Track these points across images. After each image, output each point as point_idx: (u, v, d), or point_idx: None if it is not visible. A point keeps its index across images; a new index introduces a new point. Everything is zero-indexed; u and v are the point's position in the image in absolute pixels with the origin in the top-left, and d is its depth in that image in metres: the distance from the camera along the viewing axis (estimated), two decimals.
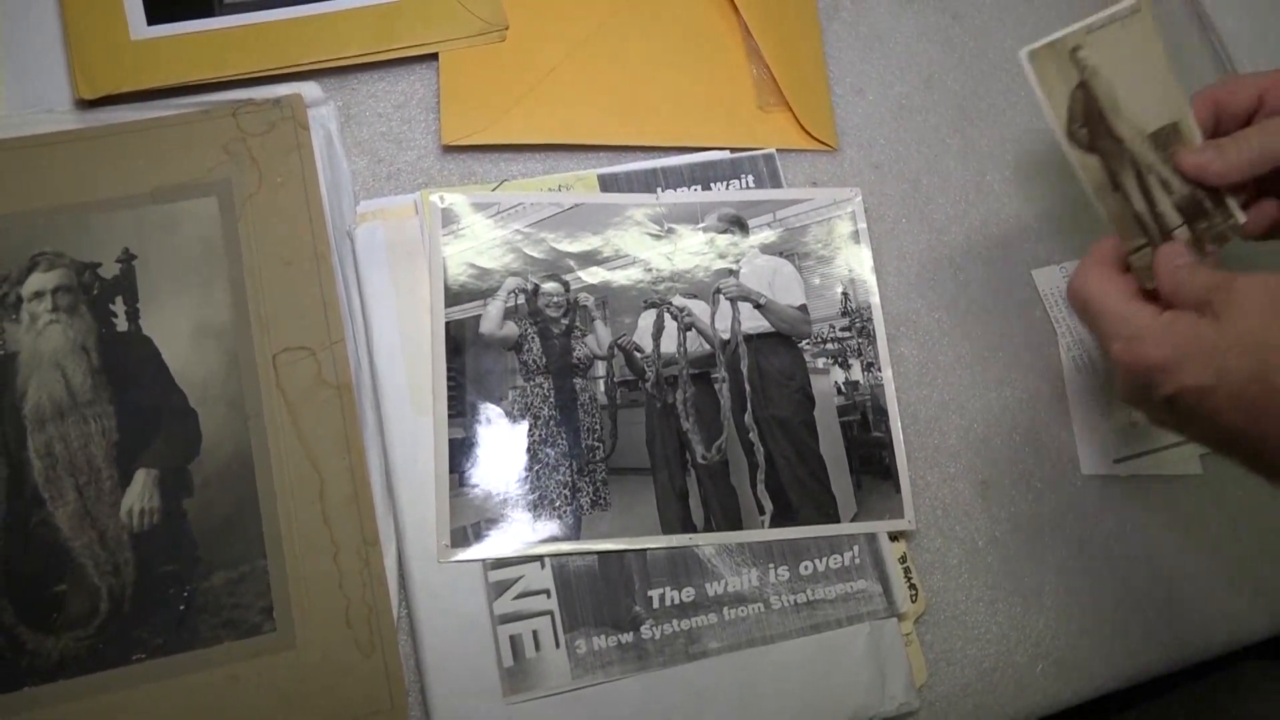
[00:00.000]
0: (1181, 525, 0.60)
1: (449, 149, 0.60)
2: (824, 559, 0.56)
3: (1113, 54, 0.50)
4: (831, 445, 0.58)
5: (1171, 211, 0.50)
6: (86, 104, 0.57)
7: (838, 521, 0.56)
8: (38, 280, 0.55)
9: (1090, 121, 0.50)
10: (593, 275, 0.58)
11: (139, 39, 0.58)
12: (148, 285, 0.55)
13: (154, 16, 0.58)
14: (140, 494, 0.52)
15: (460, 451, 0.55)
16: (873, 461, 0.58)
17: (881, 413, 0.59)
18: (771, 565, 0.55)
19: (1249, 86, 0.50)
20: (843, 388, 0.59)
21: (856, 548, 0.56)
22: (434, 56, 0.61)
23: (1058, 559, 0.58)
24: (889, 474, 0.58)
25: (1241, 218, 0.51)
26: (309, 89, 0.59)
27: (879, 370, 0.60)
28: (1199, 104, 0.51)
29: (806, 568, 0.56)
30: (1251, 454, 0.45)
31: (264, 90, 0.59)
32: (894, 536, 0.57)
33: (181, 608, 0.51)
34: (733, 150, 0.62)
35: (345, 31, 0.60)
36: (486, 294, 0.57)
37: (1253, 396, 0.43)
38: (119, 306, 0.55)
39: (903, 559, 0.57)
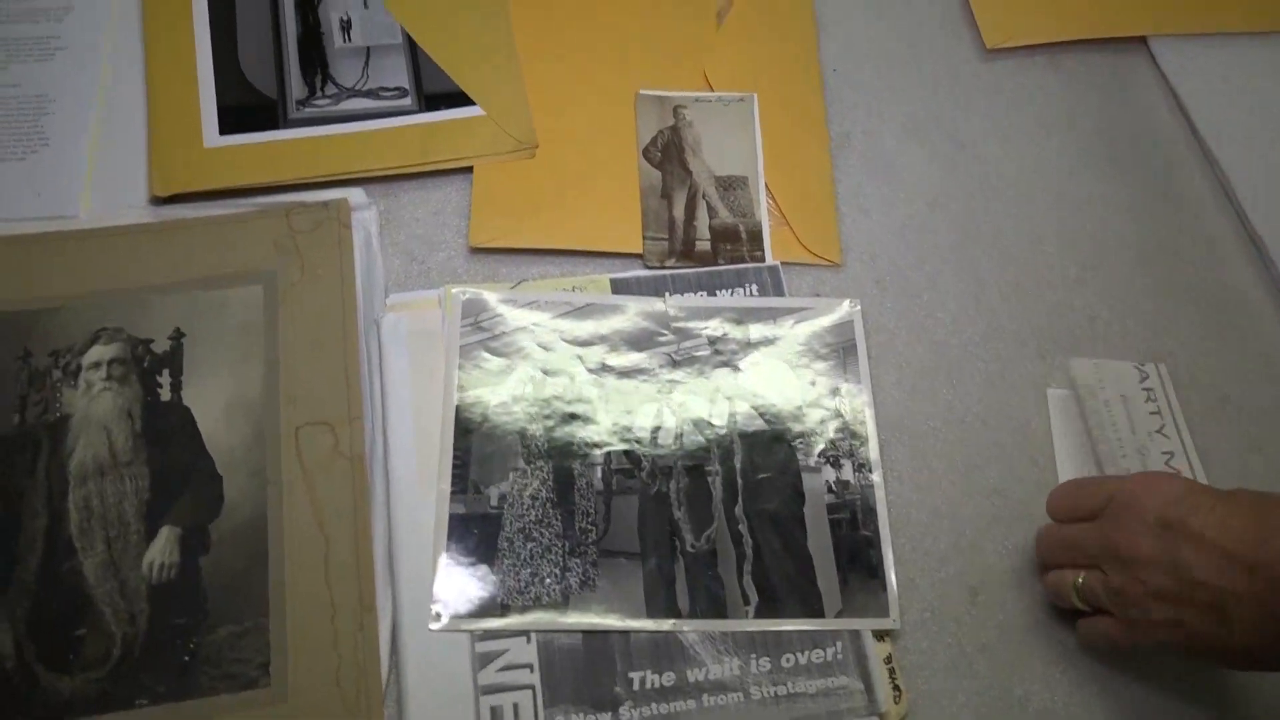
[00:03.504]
0: None
1: (476, 250, 0.66)
2: (806, 653, 0.57)
3: (710, 117, 0.70)
4: (820, 541, 0.59)
5: (706, 229, 0.67)
6: (159, 201, 0.65)
7: (822, 616, 0.57)
8: (97, 352, 0.61)
9: (666, 150, 0.68)
10: (598, 368, 0.62)
11: (211, 147, 0.66)
12: (193, 360, 0.61)
13: (226, 128, 0.66)
14: (163, 549, 0.57)
15: (460, 526, 0.58)
16: (860, 559, 0.59)
17: (871, 513, 0.60)
18: (754, 655, 0.56)
19: (1100, 488, 0.56)
20: (833, 486, 0.61)
21: (840, 644, 0.57)
22: (469, 169, 0.68)
23: (1046, 670, 0.58)
24: (876, 573, 0.59)
25: (769, 259, 0.66)
26: (355, 194, 0.66)
27: (870, 472, 0.61)
28: (1056, 498, 0.58)
29: (788, 660, 0.57)
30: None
31: (315, 194, 0.66)
32: (880, 635, 0.58)
33: (186, 658, 0.54)
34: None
35: (392, 146, 0.67)
36: (497, 382, 0.61)
37: None
38: (165, 378, 0.61)
39: (888, 659, 0.57)
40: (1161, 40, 0.77)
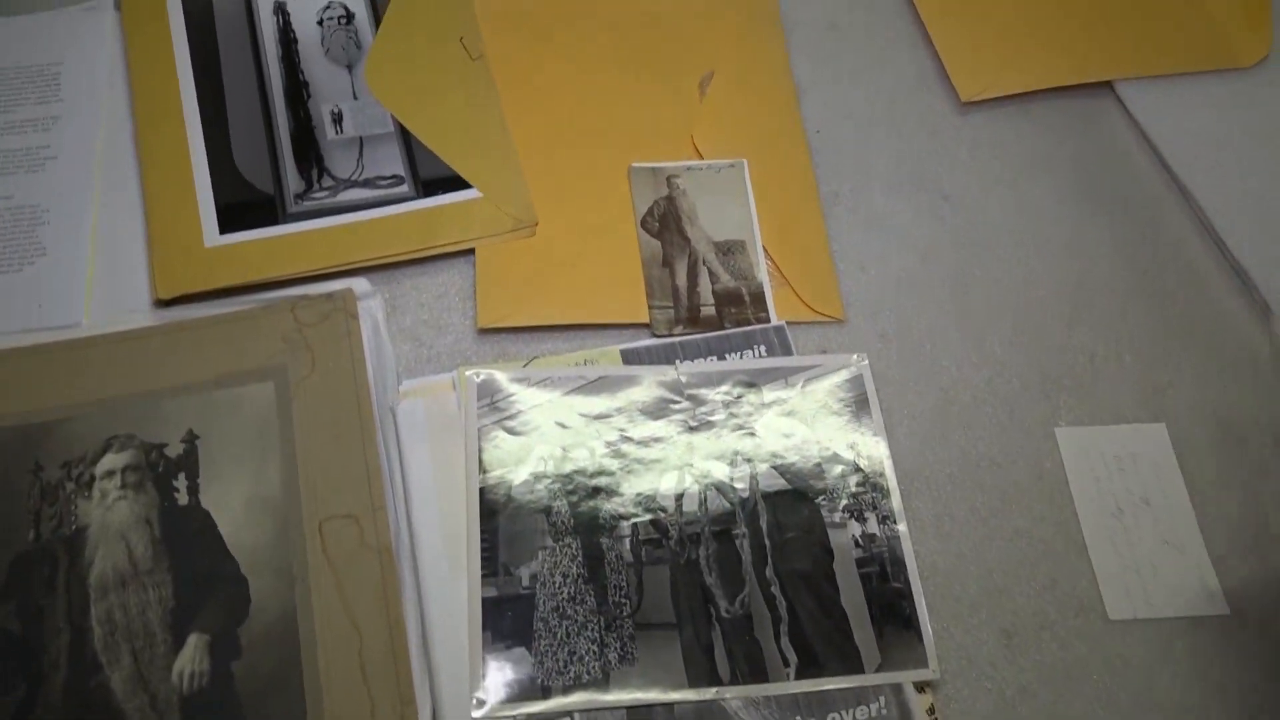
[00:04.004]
0: (1215, 668, 0.60)
1: (484, 331, 0.66)
2: (850, 710, 0.57)
3: (703, 185, 0.71)
4: (852, 597, 0.60)
5: (709, 294, 0.68)
6: (163, 303, 0.65)
7: (862, 672, 0.58)
8: (110, 460, 0.60)
9: (663, 220, 0.69)
10: (617, 439, 0.63)
11: (212, 246, 0.66)
12: (208, 462, 0.60)
13: (226, 226, 0.67)
14: (191, 657, 0.56)
15: (493, 610, 0.57)
16: (894, 612, 0.60)
17: (900, 564, 0.61)
18: (799, 717, 0.56)
19: None
20: (860, 541, 0.61)
21: (883, 698, 0.57)
22: (470, 250, 0.68)
23: (1088, 709, 0.58)
24: (910, 624, 0.59)
25: (774, 319, 0.62)
26: (359, 284, 0.66)
27: (894, 524, 0.62)
28: None
29: (834, 719, 0.57)
30: None
31: (319, 286, 0.66)
32: (921, 687, 0.58)
33: None
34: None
35: (393, 234, 0.68)
36: (518, 461, 0.61)
37: None
38: (181, 482, 0.60)
39: (930, 710, 0.57)
40: (1127, 84, 0.80)
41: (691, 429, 0.64)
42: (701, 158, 0.74)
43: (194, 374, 0.63)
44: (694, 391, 0.65)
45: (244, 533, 0.58)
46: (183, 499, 0.59)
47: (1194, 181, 0.75)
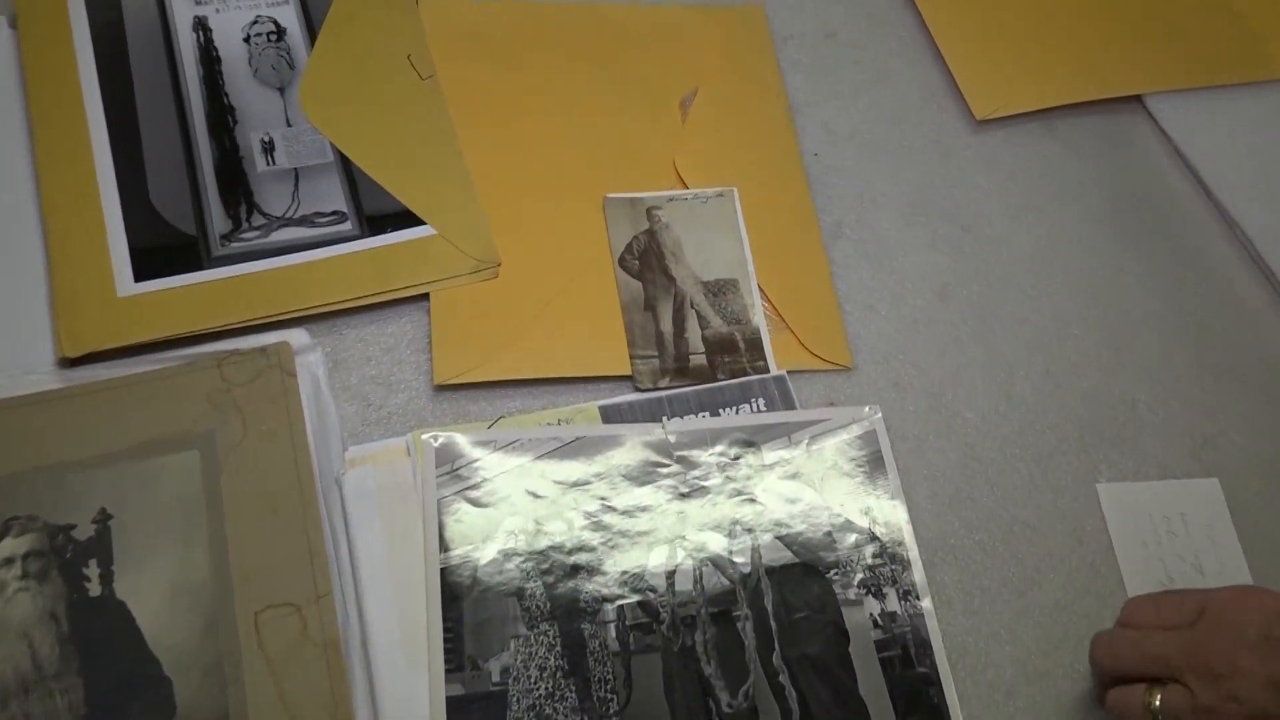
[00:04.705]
0: None
1: (442, 388, 0.69)
2: None
3: (688, 218, 0.74)
4: (872, 685, 0.62)
5: (698, 341, 0.70)
6: (70, 362, 0.66)
7: None
8: (9, 546, 0.61)
9: (644, 258, 0.72)
10: (598, 510, 0.65)
11: (126, 296, 0.68)
12: (123, 545, 0.62)
13: (141, 273, 0.69)
14: None
15: (459, 711, 0.59)
16: (920, 701, 0.62)
17: (925, 646, 0.63)
18: None
19: (1189, 600, 0.59)
20: (879, 620, 0.64)
21: None
22: (424, 296, 0.71)
23: None
24: (939, 714, 0.61)
25: (773, 368, 0.69)
26: (296, 336, 0.69)
27: (917, 599, 0.64)
28: (1136, 607, 0.62)
29: None
30: None
31: (250, 339, 0.68)
32: None
33: None
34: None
35: (334, 278, 0.70)
36: (484, 536, 0.63)
37: None
38: (92, 570, 0.61)
39: None
40: (1158, 98, 0.85)
41: (683, 496, 0.66)
42: (686, 186, 0.77)
43: (106, 443, 0.64)
44: (684, 453, 0.67)
45: (167, 627, 0.60)
46: (94, 589, 0.61)
47: (1237, 206, 0.80)
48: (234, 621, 0.60)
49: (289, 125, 0.75)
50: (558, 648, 0.61)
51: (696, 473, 0.67)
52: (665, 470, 0.67)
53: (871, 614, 0.64)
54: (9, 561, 0.61)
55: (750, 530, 0.65)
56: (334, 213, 0.73)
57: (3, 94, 0.74)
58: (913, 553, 0.66)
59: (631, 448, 0.67)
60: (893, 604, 0.64)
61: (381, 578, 0.62)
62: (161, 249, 0.70)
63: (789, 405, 0.70)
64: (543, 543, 0.64)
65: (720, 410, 0.69)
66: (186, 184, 0.72)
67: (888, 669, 0.62)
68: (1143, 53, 0.86)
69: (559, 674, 0.61)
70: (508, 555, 0.63)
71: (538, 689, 0.60)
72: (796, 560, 0.65)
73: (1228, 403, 0.73)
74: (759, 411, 0.69)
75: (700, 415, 0.69)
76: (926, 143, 0.82)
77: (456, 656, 0.60)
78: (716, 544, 0.65)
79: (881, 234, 0.78)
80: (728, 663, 0.62)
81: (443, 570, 0.62)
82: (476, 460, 0.65)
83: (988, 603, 0.66)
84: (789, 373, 0.71)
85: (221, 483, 0.64)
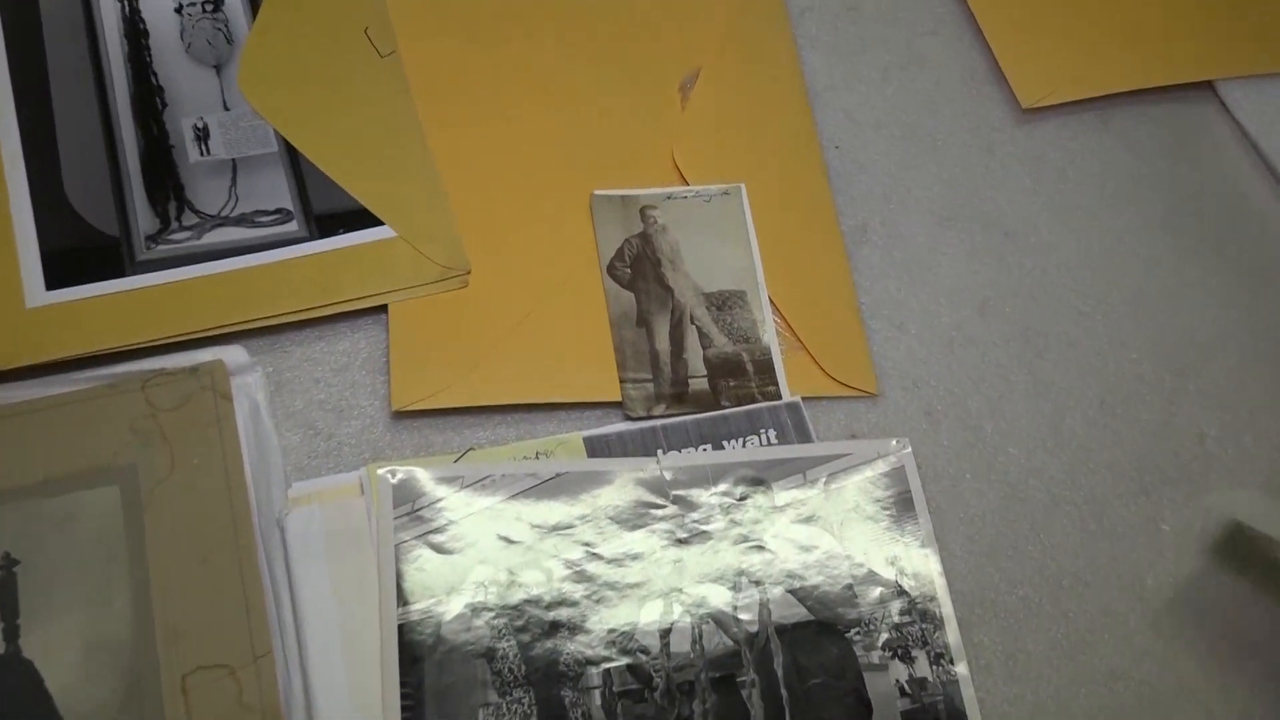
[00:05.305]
0: None
1: (401, 416, 0.69)
2: None
3: (688, 219, 0.74)
4: None
5: (699, 362, 0.70)
6: None
7: None
8: None
9: (637, 265, 0.71)
10: (582, 558, 0.65)
11: (36, 306, 0.68)
12: (31, 596, 0.62)
13: (54, 280, 0.69)
14: None
15: None
16: None
17: (959, 718, 0.64)
18: None
19: None
20: (907, 688, 0.64)
21: None
22: (382, 308, 0.71)
23: None
24: None
25: (786, 394, 0.66)
26: (233, 354, 0.69)
27: (951, 664, 0.65)
28: None
29: None
30: None
31: (180, 357, 0.68)
32: None
33: None
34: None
35: (277, 287, 0.71)
36: (449, 588, 0.64)
37: None
38: None
39: None
40: (1233, 85, 0.85)
41: (680, 542, 0.66)
42: (686, 182, 0.77)
43: (10, 477, 0.64)
44: (682, 492, 0.67)
45: (80, 690, 0.60)
46: None
47: None
48: (158, 685, 0.60)
49: (226, 109, 0.76)
50: (534, 718, 0.61)
51: (696, 515, 0.67)
52: (660, 512, 0.67)
53: (898, 680, 0.64)
54: None
55: (758, 583, 0.66)
56: (277, 211, 0.73)
57: None
58: (946, 610, 0.66)
59: (621, 486, 0.67)
60: (923, 669, 0.64)
61: (330, 636, 0.62)
62: (78, 252, 0.70)
63: (804, 438, 0.70)
64: (517, 596, 0.64)
65: (724, 443, 0.69)
66: (107, 177, 0.72)
67: None
68: (1216, 33, 0.87)
69: None
70: (476, 610, 0.63)
71: None
72: (811, 618, 0.65)
73: None
74: (769, 444, 0.70)
75: (701, 449, 0.69)
76: (965, 135, 0.83)
77: None
78: (719, 598, 0.65)
79: (912, 240, 0.79)
80: None
81: (401, 627, 0.62)
82: (441, 499, 0.66)
83: (1033, 669, 0.66)
84: (804, 400, 0.71)
85: (145, 524, 0.64)
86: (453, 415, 0.69)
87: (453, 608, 0.63)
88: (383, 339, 0.71)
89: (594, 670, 0.63)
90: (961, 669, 0.65)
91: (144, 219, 0.72)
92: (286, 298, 0.70)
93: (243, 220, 0.72)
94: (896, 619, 0.65)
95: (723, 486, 0.68)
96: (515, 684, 0.62)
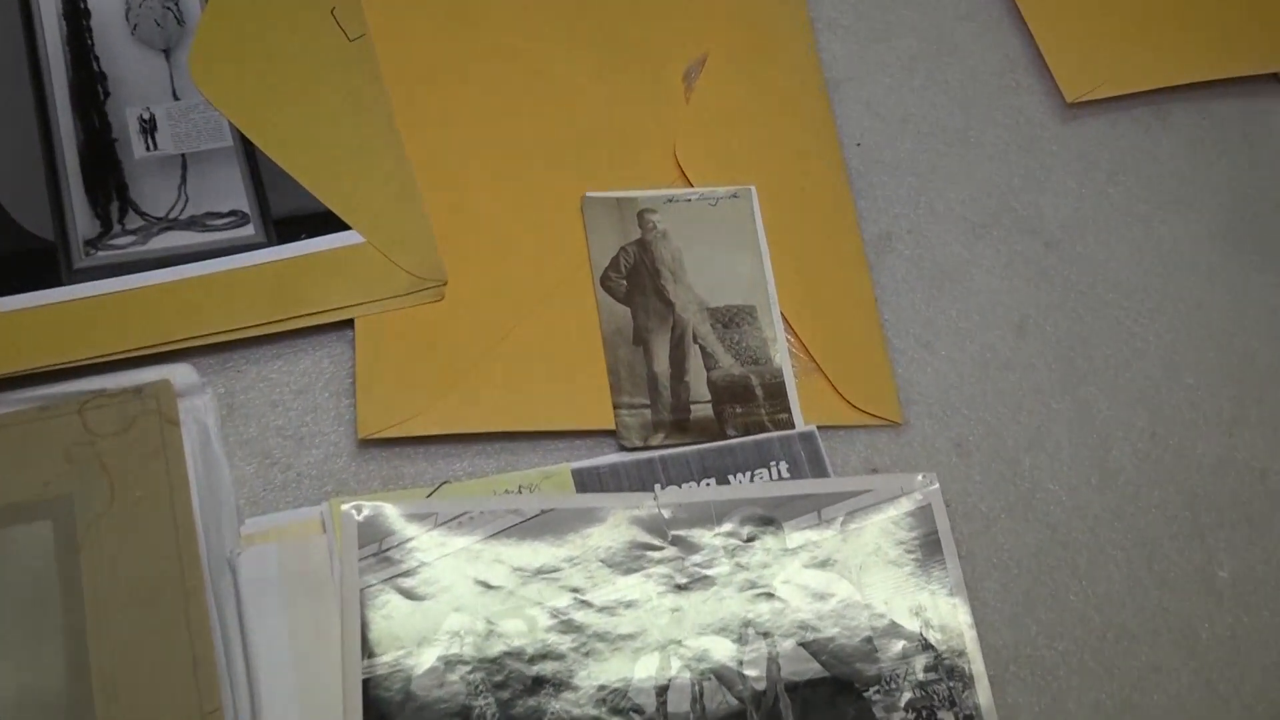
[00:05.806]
0: None
1: (368, 444, 0.70)
2: None
3: (692, 224, 0.73)
4: None
5: (703, 386, 0.70)
6: None
7: None
8: None
9: (634, 276, 0.70)
10: (569, 605, 0.66)
11: None
12: None
13: None
14: None
15: None
16: None
17: None
18: None
19: None
20: None
21: None
22: (348, 323, 0.72)
23: None
24: None
25: (800, 422, 0.66)
26: (180, 373, 0.69)
27: None
28: None
29: None
30: None
31: (122, 377, 0.69)
32: None
33: None
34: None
35: (231, 298, 0.71)
36: (420, 639, 0.64)
37: None
38: None
39: None
40: None
41: (679, 589, 0.67)
42: (689, 183, 0.78)
43: None
44: (682, 532, 0.68)
45: None
46: None
47: None
48: None
49: (176, 99, 0.76)
50: None
51: (698, 558, 0.68)
52: (657, 555, 0.67)
53: None
54: None
55: (766, 634, 0.66)
56: (232, 213, 0.73)
57: None
58: (977, 666, 0.67)
59: (614, 525, 0.68)
60: None
61: (286, 691, 0.63)
62: (8, 259, 0.71)
63: (819, 471, 0.71)
64: (496, 648, 0.65)
65: (730, 477, 0.70)
66: (42, 174, 0.73)
67: None
68: None
69: None
70: (450, 664, 0.64)
71: None
72: (825, 674, 0.66)
73: None
74: (780, 479, 0.70)
75: (704, 483, 0.70)
76: (1002, 132, 0.84)
77: None
78: (722, 652, 0.66)
79: (942, 249, 0.79)
80: None
81: (366, 682, 0.63)
82: (411, 539, 0.66)
83: None
84: (820, 429, 0.72)
85: (81, 564, 0.64)
86: (426, 444, 0.70)
87: (424, 660, 0.64)
88: (348, 358, 0.72)
89: None
90: None
91: (82, 221, 0.72)
92: (241, 310, 0.71)
93: (193, 223, 0.73)
94: (921, 676, 0.66)
95: (728, 526, 0.68)
96: None
